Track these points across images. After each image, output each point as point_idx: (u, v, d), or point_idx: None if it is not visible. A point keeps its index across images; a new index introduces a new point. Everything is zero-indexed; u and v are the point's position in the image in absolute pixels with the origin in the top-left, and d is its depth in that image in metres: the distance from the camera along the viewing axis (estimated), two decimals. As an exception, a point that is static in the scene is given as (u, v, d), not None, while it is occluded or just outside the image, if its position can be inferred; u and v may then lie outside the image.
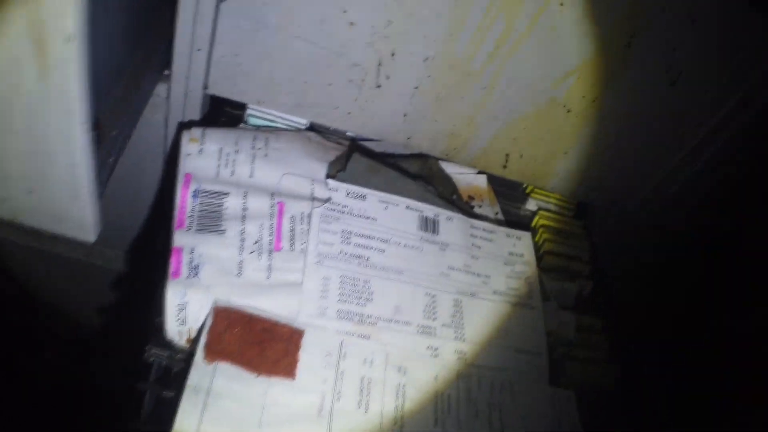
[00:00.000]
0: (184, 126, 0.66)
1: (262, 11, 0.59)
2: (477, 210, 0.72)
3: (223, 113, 0.71)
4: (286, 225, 0.62)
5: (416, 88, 0.65)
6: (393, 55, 0.62)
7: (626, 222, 0.78)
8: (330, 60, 0.63)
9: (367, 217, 0.65)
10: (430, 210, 0.68)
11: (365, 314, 0.60)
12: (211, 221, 0.60)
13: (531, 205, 0.77)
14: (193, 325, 0.56)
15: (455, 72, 0.63)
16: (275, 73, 0.64)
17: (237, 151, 0.64)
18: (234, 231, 0.60)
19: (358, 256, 0.63)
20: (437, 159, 0.73)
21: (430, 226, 0.67)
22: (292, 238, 0.62)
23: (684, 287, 0.86)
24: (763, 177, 0.75)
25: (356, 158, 0.67)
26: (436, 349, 0.62)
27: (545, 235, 0.74)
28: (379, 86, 0.64)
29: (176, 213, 0.60)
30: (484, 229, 0.71)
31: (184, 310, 0.56)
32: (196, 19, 0.60)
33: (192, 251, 0.58)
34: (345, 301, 0.60)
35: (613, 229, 0.79)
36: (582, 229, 0.78)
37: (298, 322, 0.58)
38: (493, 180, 0.76)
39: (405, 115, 0.67)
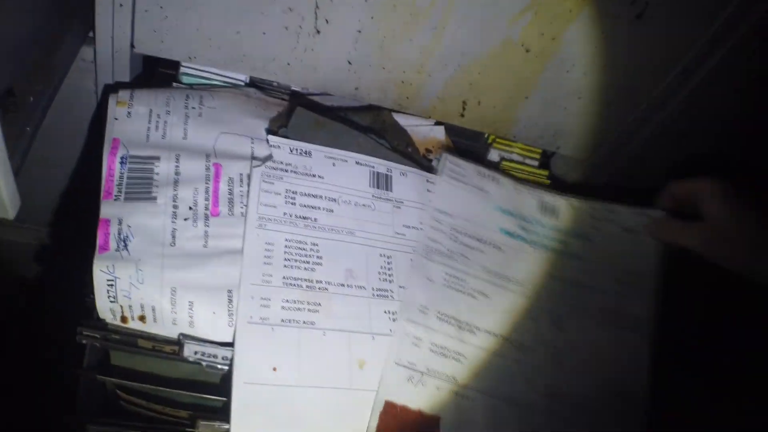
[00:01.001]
0: (111, 89, 0.59)
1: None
2: (435, 163, 0.65)
3: (156, 74, 0.63)
4: (223, 188, 0.55)
5: (359, 32, 0.57)
6: (330, -5, 0.55)
7: (594, 171, 0.71)
8: (261, 6, 0.55)
9: (313, 175, 0.58)
10: (382, 165, 0.61)
11: (314, 280, 0.54)
12: (140, 189, 0.54)
13: (494, 155, 0.71)
14: (125, 302, 0.49)
15: (400, 12, 0.56)
16: (203, 24, 0.57)
17: (168, 112, 0.57)
18: (166, 197, 0.53)
19: (304, 218, 0.56)
20: (390, 111, 0.66)
21: (382, 182, 0.61)
22: (230, 202, 0.55)
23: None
24: (738, 122, 0.68)
25: (300, 113, 0.60)
26: (394, 313, 0.55)
27: (508, 187, 0.67)
28: (318, 32, 0.57)
29: (103, 182, 0.53)
30: (441, 183, 0.64)
31: (114, 286, 0.49)
32: (115, -30, 0.53)
33: (120, 222, 0.52)
34: (291, 267, 0.54)
35: (580, 179, 0.72)
36: (547, 180, 0.71)
37: (243, 293, 0.51)
38: (453, 131, 0.69)
39: (349, 63, 0.60)
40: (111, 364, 0.53)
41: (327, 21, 0.57)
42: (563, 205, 0.66)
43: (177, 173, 0.55)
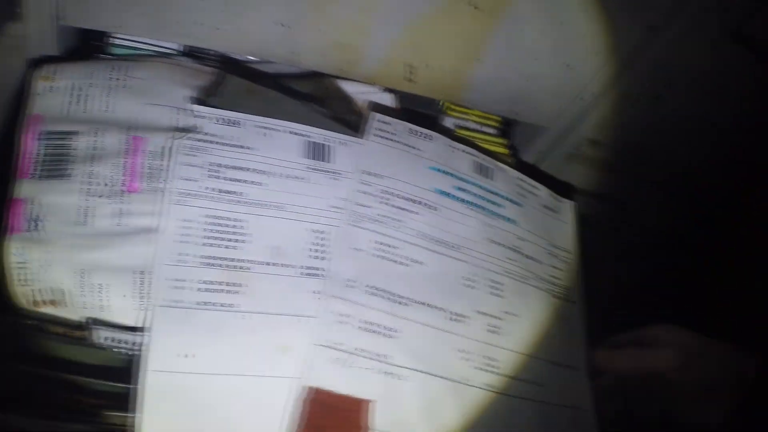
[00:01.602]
0: (36, 64, 0.54)
1: None
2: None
3: (87, 47, 0.59)
4: (142, 162, 0.51)
5: (289, -10, 0.52)
6: (251, -49, 0.49)
7: (558, 139, 0.65)
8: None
9: (242, 147, 0.53)
10: (319, 134, 0.56)
11: (236, 259, 0.49)
12: (57, 166, 0.50)
13: (448, 123, 0.65)
14: (36, 286, 0.46)
15: (330, -34, 0.51)
16: (122, -13, 0.52)
17: (91, 85, 0.53)
18: (81, 174, 0.49)
19: (229, 192, 0.51)
20: (334, 77, 0.60)
21: (319, 152, 0.55)
22: (150, 177, 0.50)
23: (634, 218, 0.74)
24: (710, 83, 0.61)
25: (231, 81, 0.55)
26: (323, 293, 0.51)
27: (461, 157, 0.62)
28: (245, -7, 0.52)
29: (19, 160, 0.49)
30: (384, 153, 0.58)
31: (24, 269, 0.46)
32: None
33: (33, 202, 0.48)
34: (211, 245, 0.49)
35: (543, 148, 0.66)
36: (506, 149, 0.65)
37: (156, 274, 0.47)
38: (403, 98, 0.63)
39: (283, 26, 0.55)
40: (24, 350, 0.49)
41: (253, -20, 0.51)
42: (496, 168, 0.62)
43: (95, 148, 0.50)
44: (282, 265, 0.50)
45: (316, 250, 0.52)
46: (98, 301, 0.46)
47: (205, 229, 0.50)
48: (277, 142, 0.54)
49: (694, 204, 0.71)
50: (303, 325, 0.49)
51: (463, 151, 0.61)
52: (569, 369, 0.58)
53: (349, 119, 0.59)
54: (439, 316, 0.54)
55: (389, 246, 0.54)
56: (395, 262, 0.54)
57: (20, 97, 0.57)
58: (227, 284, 0.48)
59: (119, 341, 0.46)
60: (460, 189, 0.59)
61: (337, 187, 0.55)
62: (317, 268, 0.51)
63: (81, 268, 0.46)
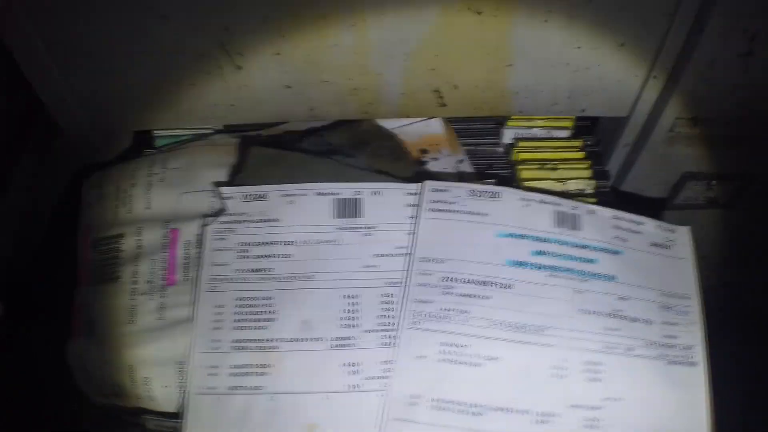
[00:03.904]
0: (84, 173, 0.61)
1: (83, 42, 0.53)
2: (431, 164, 0.58)
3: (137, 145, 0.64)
4: (180, 253, 0.55)
5: (278, 54, 0.53)
6: (227, 29, 0.51)
7: (646, 126, 0.57)
8: (171, 61, 0.54)
9: (269, 220, 0.55)
10: (348, 189, 0.55)
11: (265, 339, 0.51)
12: (107, 270, 0.56)
13: (508, 136, 0.60)
14: (97, 382, 0.52)
15: (304, 19, 0.51)
16: (136, 91, 0.57)
17: (134, 185, 0.58)
18: (127, 275, 0.55)
19: (257, 270, 0.53)
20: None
21: (349, 208, 0.55)
22: (186, 267, 0.54)
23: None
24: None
25: (254, 152, 0.57)
26: (355, 364, 0.50)
27: (525, 173, 0.57)
28: (240, 67, 0.54)
29: (80, 270, 0.56)
30: (426, 194, 0.56)
31: (85, 369, 0.53)
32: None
33: (89, 307, 0.54)
34: (242, 328, 0.51)
35: (631, 139, 0.58)
36: (581, 153, 0.58)
37: (191, 363, 0.50)
38: (456, 119, 0.60)
39: (289, 87, 0.56)
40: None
41: (241, 54, 0.53)
42: (583, 212, 0.54)
43: (139, 247, 0.55)
44: (312, 339, 0.51)
45: (348, 318, 0.51)
46: (146, 393, 0.51)
47: (235, 312, 0.52)
48: (304, 207, 0.55)
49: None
50: (332, 401, 0.49)
51: (540, 201, 0.54)
52: None
53: (382, 163, 0.57)
54: (522, 420, 0.48)
55: (457, 346, 0.50)
56: (465, 363, 0.49)
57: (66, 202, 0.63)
58: (257, 366, 0.50)
59: (166, 427, 0.50)
60: (538, 253, 0.53)
61: (370, 244, 0.54)
62: (348, 338, 0.51)
63: (129, 365, 0.51)
